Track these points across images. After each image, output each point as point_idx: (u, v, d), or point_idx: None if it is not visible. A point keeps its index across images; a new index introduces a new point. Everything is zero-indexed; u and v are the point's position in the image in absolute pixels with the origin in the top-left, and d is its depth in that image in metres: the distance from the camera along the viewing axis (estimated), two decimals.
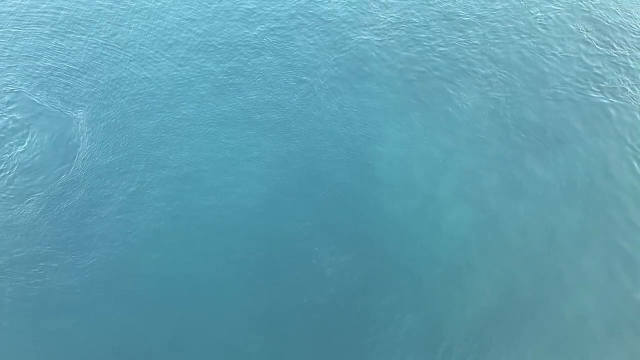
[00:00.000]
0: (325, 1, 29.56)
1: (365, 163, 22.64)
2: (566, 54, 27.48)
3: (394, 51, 27.13)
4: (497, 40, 27.90)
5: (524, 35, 28.25)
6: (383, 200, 21.53)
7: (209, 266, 19.74)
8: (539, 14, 29.48)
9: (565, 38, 28.25)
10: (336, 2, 29.51)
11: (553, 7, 29.85)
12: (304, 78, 25.65)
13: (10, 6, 28.27)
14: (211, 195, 21.46)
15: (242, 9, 28.89)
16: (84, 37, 27.09)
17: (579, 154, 23.52)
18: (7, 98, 24.49)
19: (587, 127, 24.58)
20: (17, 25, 27.54)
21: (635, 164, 23.22)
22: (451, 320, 18.65)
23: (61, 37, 27.03)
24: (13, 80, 25.21)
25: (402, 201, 21.49)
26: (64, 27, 27.48)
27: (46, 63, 25.94)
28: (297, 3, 29.31)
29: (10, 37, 26.94)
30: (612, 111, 24.99)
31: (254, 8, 28.97)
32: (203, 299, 19.01)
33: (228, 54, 26.54)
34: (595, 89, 26.02)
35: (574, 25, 28.81)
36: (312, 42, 27.36)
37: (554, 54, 27.40)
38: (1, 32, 27.12)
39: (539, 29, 28.70)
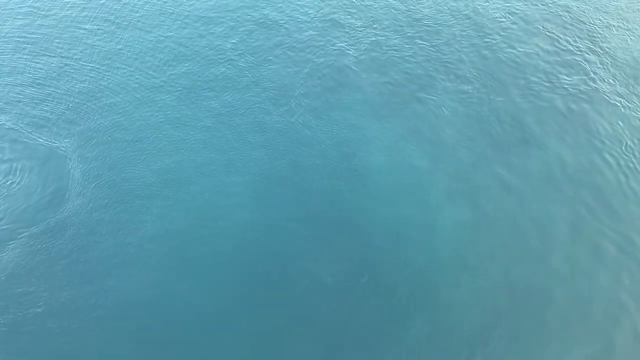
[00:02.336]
0: (297, 18, 29.92)
1: (354, 174, 22.77)
2: (532, 53, 28.63)
3: (369, 63, 27.64)
4: (466, 46, 28.81)
5: (492, 39, 29.29)
6: (375, 209, 21.66)
7: (208, 294, 19.33)
8: (503, 18, 30.68)
9: (530, 39, 29.46)
10: (307, 18, 29.92)
11: (515, 11, 31.13)
12: (283, 96, 25.76)
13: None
14: (203, 222, 21.13)
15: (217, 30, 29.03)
16: (66, 61, 26.88)
17: (555, 148, 24.36)
18: None
19: (559, 122, 25.49)
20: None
21: (606, 155, 24.16)
22: (455, 321, 18.80)
23: (42, 62, 26.72)
24: None
25: (393, 207, 21.68)
26: (43, 51, 27.18)
27: (29, 90, 25.39)
28: (271, 21, 29.59)
29: None
30: (582, 105, 26.08)
31: (231, 38, 29.11)
32: (205, 327, 18.59)
33: (209, 77, 26.53)
34: (562, 85, 27.13)
35: (539, 26, 30.12)
36: (286, 59, 27.59)
37: (521, 55, 28.50)
38: None
39: (503, 33, 29.83)
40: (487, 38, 29.37)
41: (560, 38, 29.54)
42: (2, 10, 29.51)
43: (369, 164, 23.24)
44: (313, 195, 22.17)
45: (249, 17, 29.99)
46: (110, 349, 18.07)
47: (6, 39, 27.93)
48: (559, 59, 28.44)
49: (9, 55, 27.16)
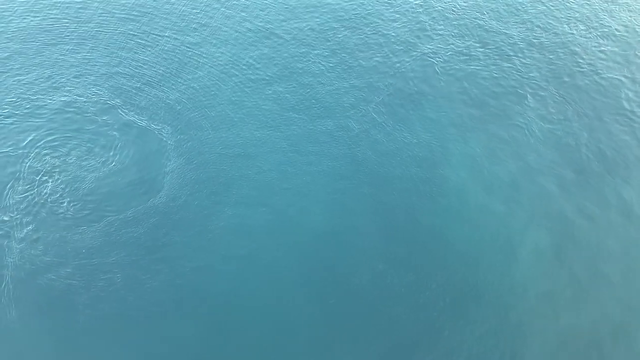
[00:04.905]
0: (384, 24, 29.86)
1: (433, 187, 22.39)
2: (626, 80, 27.39)
3: (455, 75, 27.20)
4: (557, 68, 27.90)
5: (584, 63, 28.27)
6: (454, 226, 21.16)
7: (277, 288, 19.50)
8: (597, 42, 29.54)
9: (624, 66, 28.20)
10: (396, 23, 29.79)
11: (611, 36, 29.92)
12: (364, 101, 25.65)
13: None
14: (282, 221, 21.28)
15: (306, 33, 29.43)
16: (174, 48, 27.86)
17: None
18: (98, 112, 24.55)
19: None
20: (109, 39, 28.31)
21: None
22: (536, 350, 18.11)
23: (151, 48, 27.84)
24: (102, 91, 25.47)
25: (473, 227, 21.12)
26: (151, 38, 28.28)
27: (138, 73, 26.41)
28: (357, 24, 29.67)
29: (100, 48, 27.70)
30: None
31: (315, 34, 29.42)
32: (272, 320, 18.79)
33: (293, 78, 26.79)
34: None
35: (637, 53, 28.81)
36: (372, 64, 27.49)
37: (615, 81, 27.32)
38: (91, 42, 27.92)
39: (597, 57, 28.71)
40: (580, 61, 28.31)
41: None
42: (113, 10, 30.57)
43: (449, 179, 22.71)
44: (389, 203, 21.85)
45: (338, 19, 30.10)
46: (183, 331, 18.43)
47: (117, 35, 28.88)
48: None
49: (118, 47, 28.17)
